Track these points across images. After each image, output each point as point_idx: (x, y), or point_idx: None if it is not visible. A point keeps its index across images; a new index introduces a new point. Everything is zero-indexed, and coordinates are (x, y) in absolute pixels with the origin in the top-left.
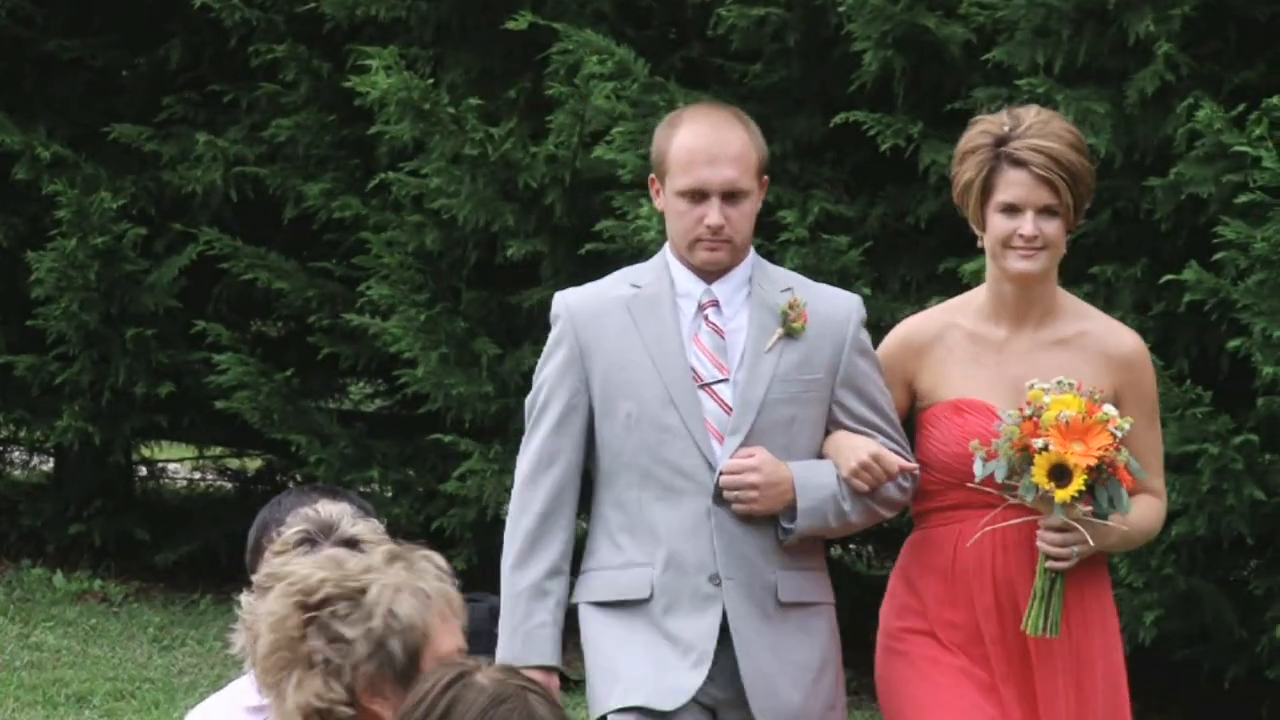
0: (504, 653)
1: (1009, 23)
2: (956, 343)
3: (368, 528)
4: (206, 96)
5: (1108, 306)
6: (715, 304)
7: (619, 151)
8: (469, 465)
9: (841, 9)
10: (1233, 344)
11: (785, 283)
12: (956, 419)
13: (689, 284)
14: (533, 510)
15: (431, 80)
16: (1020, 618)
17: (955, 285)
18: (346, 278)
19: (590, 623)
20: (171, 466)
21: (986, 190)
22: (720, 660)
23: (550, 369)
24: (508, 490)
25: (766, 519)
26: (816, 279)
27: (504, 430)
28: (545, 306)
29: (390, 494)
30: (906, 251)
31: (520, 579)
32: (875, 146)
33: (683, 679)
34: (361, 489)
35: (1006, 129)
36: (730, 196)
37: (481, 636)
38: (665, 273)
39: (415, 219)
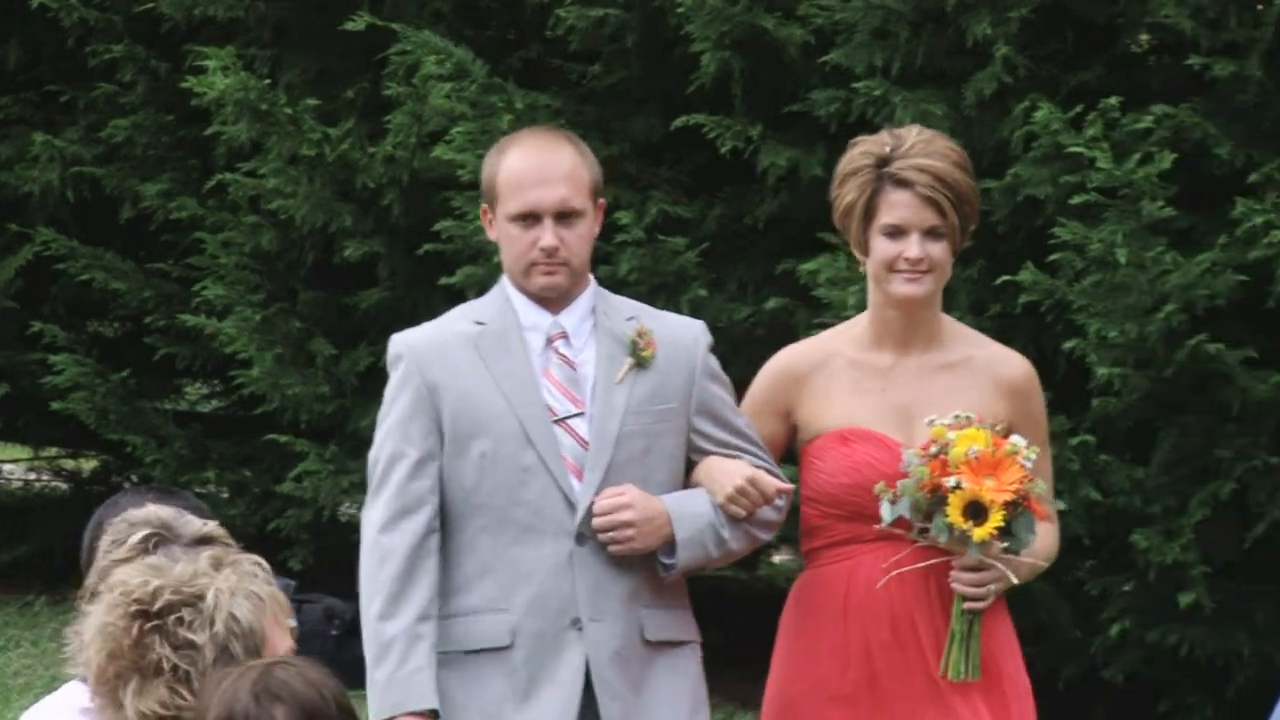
0: (381, 702)
1: (847, 25)
2: (838, 371)
3: (217, 526)
4: (44, 96)
5: (945, 308)
6: (564, 335)
7: (457, 152)
8: (305, 466)
9: (680, 10)
10: (1068, 345)
11: (629, 311)
12: (843, 449)
13: (534, 316)
14: (396, 557)
15: (269, 81)
16: (920, 651)
17: (793, 287)
18: (183, 278)
19: (446, 680)
20: (7, 467)
21: (869, 213)
22: (586, 709)
23: (397, 413)
24: (344, 491)
25: (633, 557)
26: (653, 280)
27: (340, 431)
28: (383, 307)
29: (226, 494)
30: (744, 253)
31: (390, 627)
32: (714, 148)
33: None
34: (198, 489)
35: (888, 149)
36: (563, 217)
37: (317, 637)
38: (507, 306)
39: (252, 219)
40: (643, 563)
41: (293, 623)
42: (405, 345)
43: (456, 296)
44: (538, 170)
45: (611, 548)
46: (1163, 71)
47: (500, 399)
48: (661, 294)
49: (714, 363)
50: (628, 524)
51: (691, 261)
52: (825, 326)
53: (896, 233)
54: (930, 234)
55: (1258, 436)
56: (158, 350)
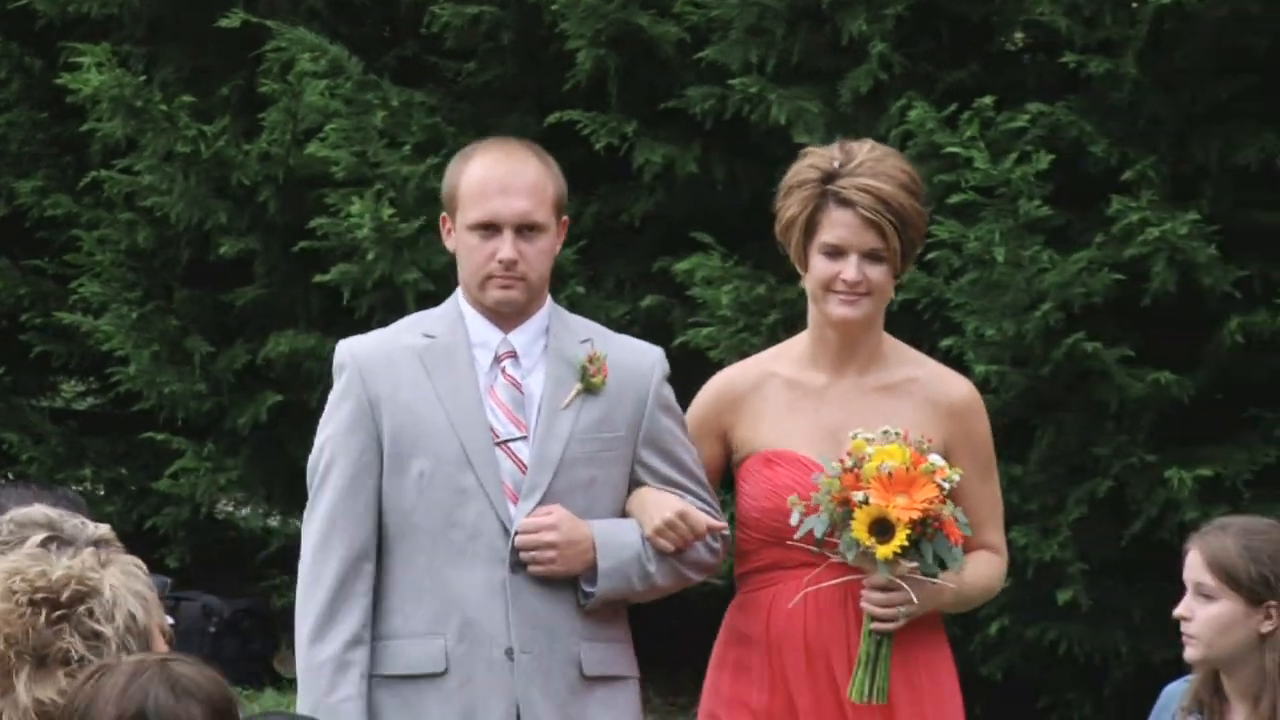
0: None
1: (722, 22)
2: (774, 392)
3: (108, 529)
4: None
5: None
6: (513, 355)
7: (332, 149)
8: (182, 464)
9: (555, 7)
10: (946, 343)
11: (584, 333)
12: (766, 472)
13: (485, 333)
14: (328, 578)
15: (144, 77)
16: (831, 680)
17: (668, 284)
18: (59, 275)
19: (375, 707)
20: None
21: (810, 229)
22: None
23: (336, 424)
24: (221, 488)
25: (568, 585)
26: None
27: (217, 428)
28: (258, 305)
29: (103, 492)
30: (620, 250)
31: (319, 651)
32: (589, 145)
33: None
34: (74, 487)
35: (836, 164)
36: (524, 230)
37: (195, 634)
38: (459, 321)
39: (127, 217)
40: (578, 593)
41: (171, 620)
42: (349, 355)
43: (332, 294)
44: (501, 180)
45: (532, 568)
46: (1038, 69)
47: (442, 417)
48: None
49: (668, 393)
50: (550, 545)
51: (569, 259)
52: (700, 325)
53: (835, 253)
54: (870, 256)
55: (1135, 434)
56: (34, 348)
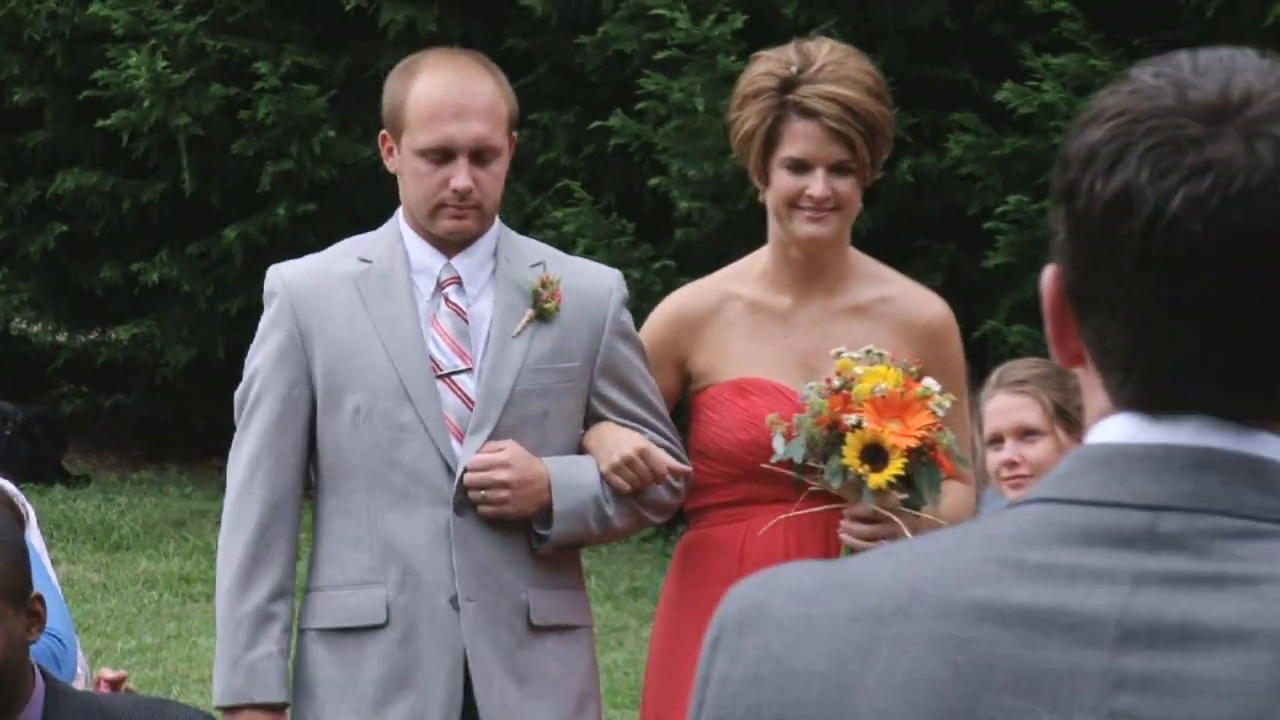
0: (224, 686)
1: None
2: (737, 315)
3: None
4: None
5: (545, 150)
6: (456, 281)
7: (112, 9)
8: None
9: None
10: (654, 182)
11: (535, 256)
12: (740, 401)
13: (426, 258)
14: (249, 523)
15: None
16: None
17: None
18: None
19: (311, 662)
20: None
21: (770, 142)
22: (471, 697)
23: (264, 356)
24: (15, 308)
25: (517, 528)
26: (288, 123)
27: (11, 256)
28: (47, 146)
29: None
30: (368, 100)
31: (241, 603)
32: (340, 6)
33: None
34: None
35: (794, 70)
36: (479, 156)
37: None
38: (398, 245)
39: None
40: (530, 536)
41: None
42: (280, 282)
43: (113, 137)
44: (455, 101)
45: (482, 509)
46: None
47: (379, 348)
48: (295, 135)
49: (627, 318)
50: (502, 484)
51: (322, 106)
52: None
53: (800, 167)
54: (837, 169)
55: None
56: None
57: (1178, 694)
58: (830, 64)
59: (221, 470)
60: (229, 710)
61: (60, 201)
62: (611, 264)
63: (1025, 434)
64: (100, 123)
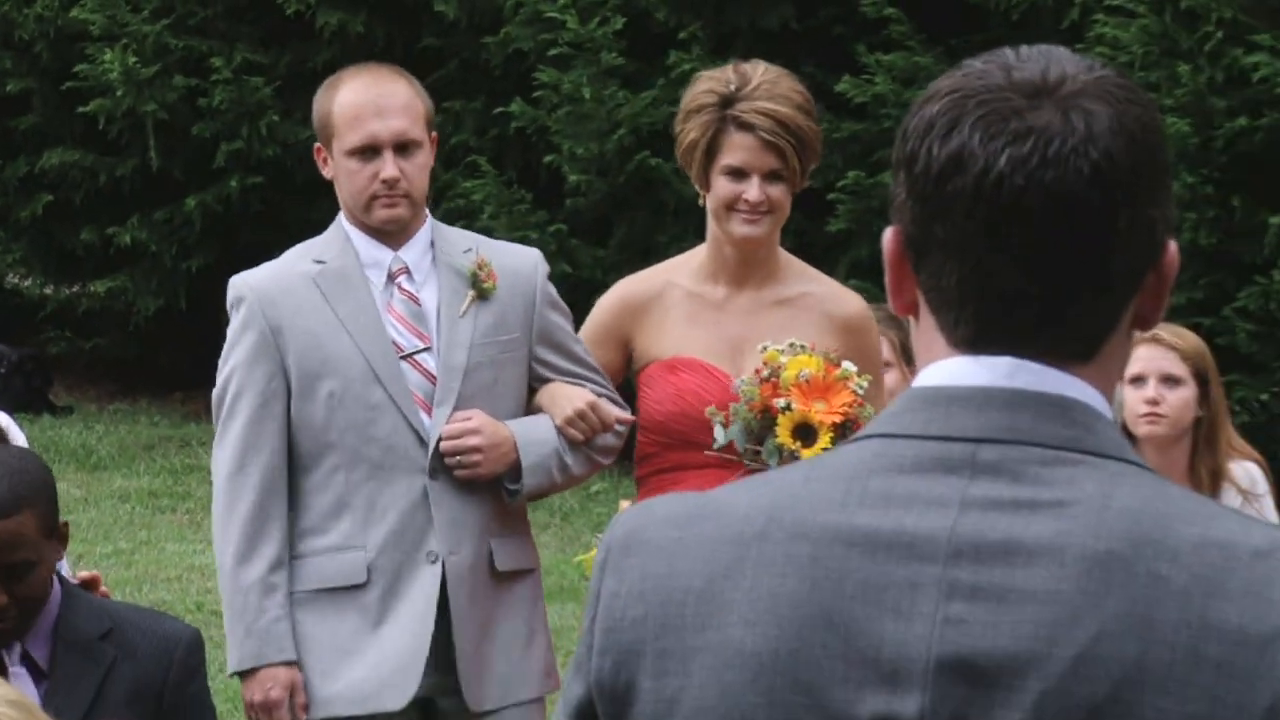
0: (240, 653)
1: None
2: (675, 302)
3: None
4: None
5: (456, 132)
6: (405, 271)
7: (90, 12)
8: None
9: None
10: (548, 159)
11: (465, 243)
12: (671, 377)
13: (375, 253)
14: (245, 502)
15: None
16: None
17: None
18: None
19: (298, 620)
20: None
21: (711, 152)
22: (436, 640)
23: (239, 355)
24: (9, 265)
25: (484, 487)
26: (239, 109)
27: (4, 220)
28: (36, 129)
29: None
30: (307, 92)
31: (244, 575)
32: (282, 10)
33: (402, 678)
34: None
35: (733, 88)
36: (402, 149)
37: None
38: (347, 244)
39: None
40: (493, 493)
41: None
42: (246, 288)
43: (91, 120)
44: (374, 102)
45: (458, 473)
46: None
47: (346, 337)
48: (245, 119)
49: (552, 290)
50: (475, 449)
51: (267, 95)
52: None
53: (738, 174)
54: (770, 176)
55: (687, 226)
56: None
57: (1001, 601)
58: (765, 83)
59: (183, 402)
60: (247, 674)
61: (47, 175)
62: (512, 228)
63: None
64: (80, 109)
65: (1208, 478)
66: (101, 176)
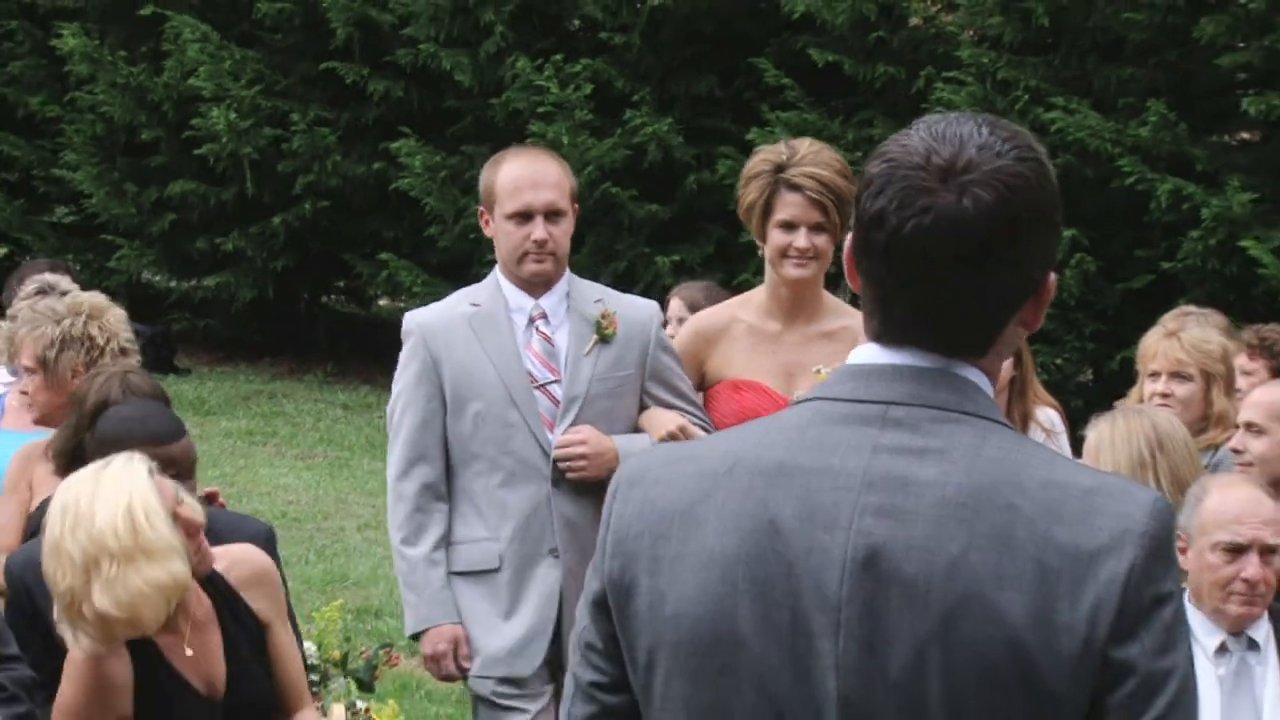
0: (414, 617)
1: None
2: (740, 334)
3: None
4: None
5: (471, 169)
6: (544, 316)
7: (203, 81)
8: (122, 252)
9: None
10: None
11: (595, 295)
12: (735, 395)
13: (520, 300)
14: (409, 497)
15: (98, 41)
16: None
17: None
18: (52, 148)
19: (457, 592)
20: None
21: (767, 210)
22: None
23: (407, 379)
24: (147, 265)
25: (595, 497)
26: (312, 152)
27: (141, 232)
28: (163, 167)
29: (78, 268)
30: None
31: (414, 552)
32: (343, 81)
33: (530, 650)
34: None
35: (785, 157)
36: (551, 216)
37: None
38: (498, 292)
39: (92, 117)
40: (602, 499)
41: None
42: (415, 324)
43: (203, 161)
44: (531, 177)
45: (569, 475)
46: (591, 43)
47: (490, 368)
48: (316, 160)
49: (665, 337)
50: (581, 455)
51: (333, 142)
52: None
53: (789, 227)
54: (816, 228)
55: (638, 239)
56: (37, 189)
57: (899, 520)
58: (810, 153)
59: (270, 366)
60: (420, 635)
61: (171, 200)
62: None
63: None
64: (195, 151)
65: (1019, 420)
66: (211, 201)
